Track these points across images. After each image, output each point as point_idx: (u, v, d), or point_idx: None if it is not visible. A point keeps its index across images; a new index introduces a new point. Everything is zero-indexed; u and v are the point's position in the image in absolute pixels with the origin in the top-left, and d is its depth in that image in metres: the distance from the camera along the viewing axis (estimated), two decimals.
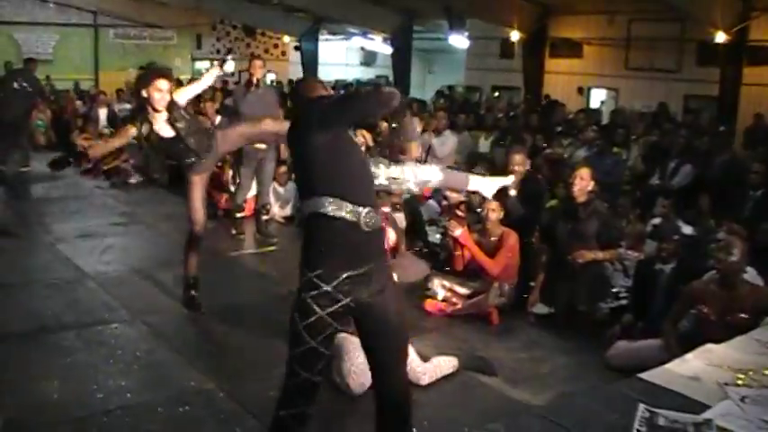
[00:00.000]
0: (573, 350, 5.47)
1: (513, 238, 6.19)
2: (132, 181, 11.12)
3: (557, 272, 6.10)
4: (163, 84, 5.28)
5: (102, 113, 13.49)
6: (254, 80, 7.68)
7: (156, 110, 5.29)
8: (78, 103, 15.65)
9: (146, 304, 6.04)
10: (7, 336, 5.27)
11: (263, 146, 7.59)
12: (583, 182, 6.13)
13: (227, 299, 6.21)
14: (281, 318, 5.72)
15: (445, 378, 4.86)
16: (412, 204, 7.84)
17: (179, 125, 5.37)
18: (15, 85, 11.06)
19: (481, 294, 6.11)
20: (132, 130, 5.34)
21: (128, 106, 14.89)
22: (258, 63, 7.88)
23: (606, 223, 6.11)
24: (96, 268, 6.87)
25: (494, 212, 6.24)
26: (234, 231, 8.10)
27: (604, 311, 5.96)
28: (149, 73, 5.56)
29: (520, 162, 6.81)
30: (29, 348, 5.08)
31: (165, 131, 5.37)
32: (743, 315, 4.62)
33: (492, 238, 6.25)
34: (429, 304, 6.21)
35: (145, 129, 5.33)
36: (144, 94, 5.27)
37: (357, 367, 4.43)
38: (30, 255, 7.38)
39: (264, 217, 8.10)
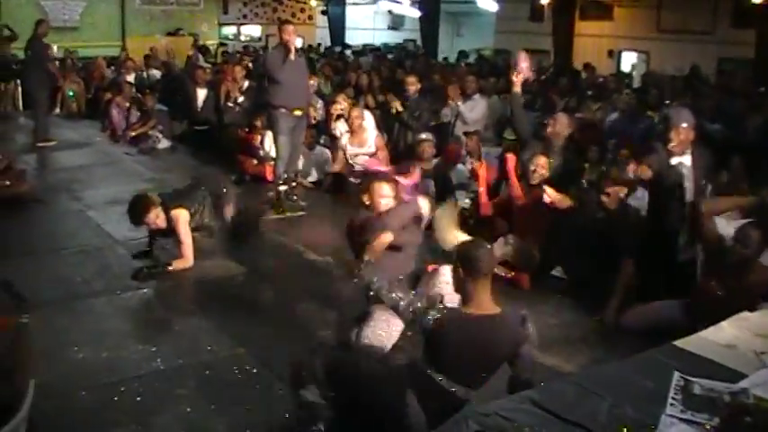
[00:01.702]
0: None
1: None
2: (160, 147, 11.11)
3: (583, 236, 5.99)
4: None
5: (130, 80, 13.46)
6: (291, 47, 7.47)
7: None
8: (109, 70, 15.65)
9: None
10: (38, 302, 5.27)
11: (299, 112, 7.49)
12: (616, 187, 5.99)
13: (255, 264, 6.21)
14: (309, 283, 5.79)
15: None
16: (441, 170, 7.77)
17: None
18: (25, 56, 11.26)
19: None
20: None
21: (156, 73, 14.90)
22: (291, 29, 7.59)
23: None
24: (126, 235, 6.88)
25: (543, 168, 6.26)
26: (277, 209, 7.76)
27: None
28: None
29: (561, 130, 6.72)
30: (60, 315, 5.13)
31: None
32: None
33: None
34: None
35: None
36: None
37: (372, 334, 4.48)
38: (60, 222, 7.43)
39: (293, 183, 8.04)
